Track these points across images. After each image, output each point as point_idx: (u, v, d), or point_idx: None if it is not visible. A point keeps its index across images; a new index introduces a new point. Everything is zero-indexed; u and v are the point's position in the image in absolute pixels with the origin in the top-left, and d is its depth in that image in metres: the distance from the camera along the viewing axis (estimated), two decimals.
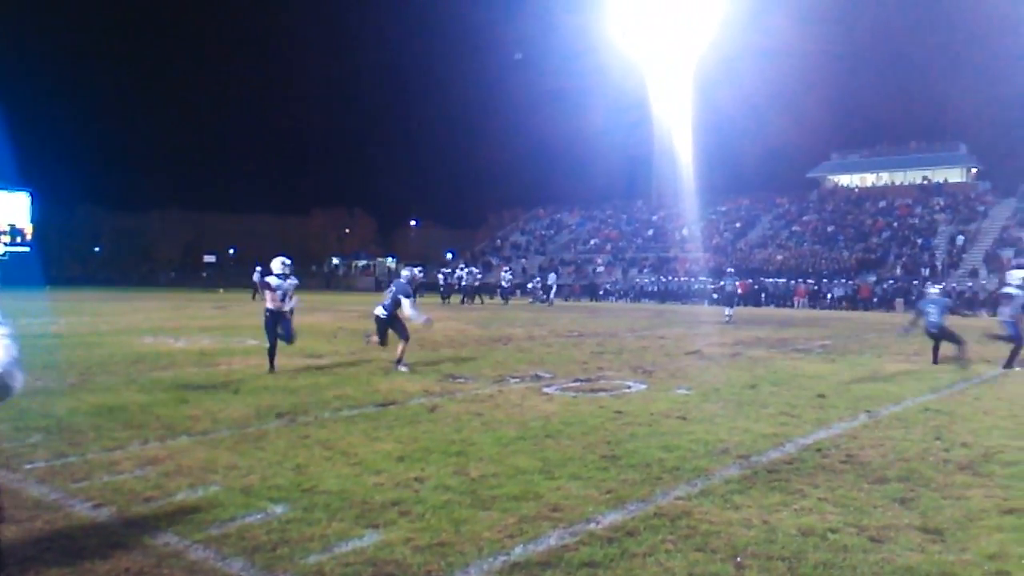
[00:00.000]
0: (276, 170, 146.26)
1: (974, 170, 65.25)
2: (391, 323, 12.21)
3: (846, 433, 7.92)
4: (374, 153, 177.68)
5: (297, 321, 12.89)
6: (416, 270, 13.43)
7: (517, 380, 11.34)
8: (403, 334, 12.23)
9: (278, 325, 11.67)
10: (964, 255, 47.24)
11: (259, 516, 4.98)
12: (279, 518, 4.95)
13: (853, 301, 43.44)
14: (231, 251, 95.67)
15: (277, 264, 11.77)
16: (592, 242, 65.26)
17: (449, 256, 73.42)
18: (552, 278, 44.34)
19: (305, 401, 9.22)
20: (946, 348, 14.63)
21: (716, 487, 5.83)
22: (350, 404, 9.03)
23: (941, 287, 17.43)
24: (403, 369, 11.90)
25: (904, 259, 48.15)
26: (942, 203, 55.23)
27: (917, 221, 53.58)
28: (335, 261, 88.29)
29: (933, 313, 14.27)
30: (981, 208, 53.11)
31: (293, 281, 11.90)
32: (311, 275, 68.91)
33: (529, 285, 48.09)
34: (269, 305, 11.68)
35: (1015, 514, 5.29)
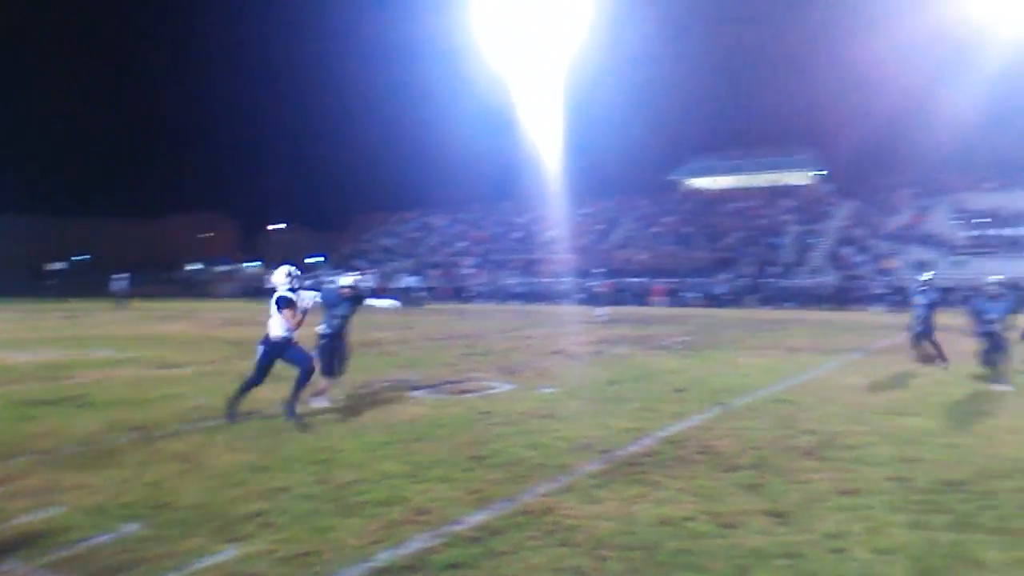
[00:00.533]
0: (127, 172, 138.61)
1: (818, 173, 69.33)
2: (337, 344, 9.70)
3: (702, 425, 8.28)
4: (236, 154, 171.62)
5: (153, 330, 12.08)
6: (357, 276, 10.82)
7: (385, 384, 11.26)
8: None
9: (285, 353, 8.47)
10: (810, 253, 50.15)
11: (110, 536, 4.75)
12: (132, 537, 4.74)
13: (709, 298, 45.32)
14: (79, 258, 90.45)
15: (282, 275, 8.56)
16: (461, 244, 65.45)
17: (320, 260, 71.84)
18: (411, 280, 44.18)
19: (160, 414, 8.84)
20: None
21: (579, 482, 5.98)
22: (208, 415, 8.72)
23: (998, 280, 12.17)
24: (323, 403, 9.42)
25: (755, 258, 50.66)
26: (789, 204, 58.44)
27: (767, 222, 56.46)
28: (194, 266, 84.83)
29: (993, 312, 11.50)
30: (825, 209, 56.53)
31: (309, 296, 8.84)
32: (167, 282, 65.92)
33: (401, 286, 47.78)
34: (279, 332, 8.39)
35: (853, 495, 5.68)
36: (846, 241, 50.32)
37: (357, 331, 11.16)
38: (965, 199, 51.54)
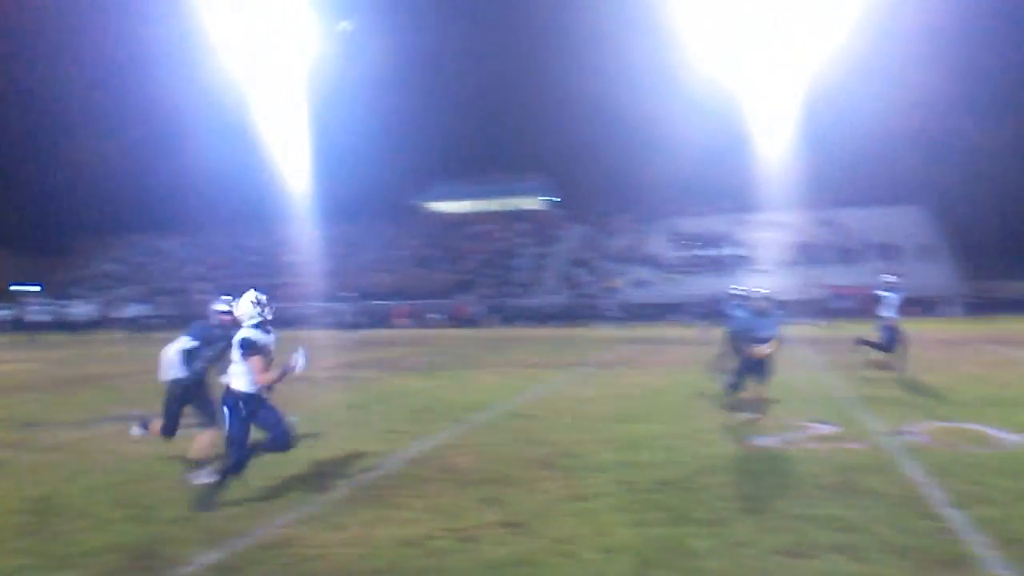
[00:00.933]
0: None
1: (550, 199, 73.45)
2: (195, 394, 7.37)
3: (443, 443, 8.44)
4: None
5: None
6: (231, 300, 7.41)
7: (108, 422, 10.37)
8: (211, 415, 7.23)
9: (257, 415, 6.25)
10: (544, 275, 52.92)
11: None
12: None
13: (452, 319, 46.36)
14: None
15: (247, 305, 6.44)
16: (195, 269, 62.04)
17: (34, 288, 64.73)
18: (138, 309, 41.39)
19: None
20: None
21: (321, 511, 5.86)
22: None
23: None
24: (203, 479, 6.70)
25: (494, 279, 52.62)
26: (524, 228, 61.34)
27: (504, 245, 58.86)
28: None
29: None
30: (557, 233, 59.93)
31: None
32: None
33: (127, 315, 44.34)
34: (244, 386, 6.21)
35: (582, 500, 6.04)
36: (576, 263, 53.64)
37: (74, 365, 10.20)
38: (678, 223, 56.83)
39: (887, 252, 47.87)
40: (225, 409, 6.21)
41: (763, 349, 9.71)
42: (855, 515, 5.51)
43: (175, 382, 7.25)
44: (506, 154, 74.36)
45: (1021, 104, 57.22)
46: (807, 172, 51.32)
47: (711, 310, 14.24)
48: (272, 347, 6.38)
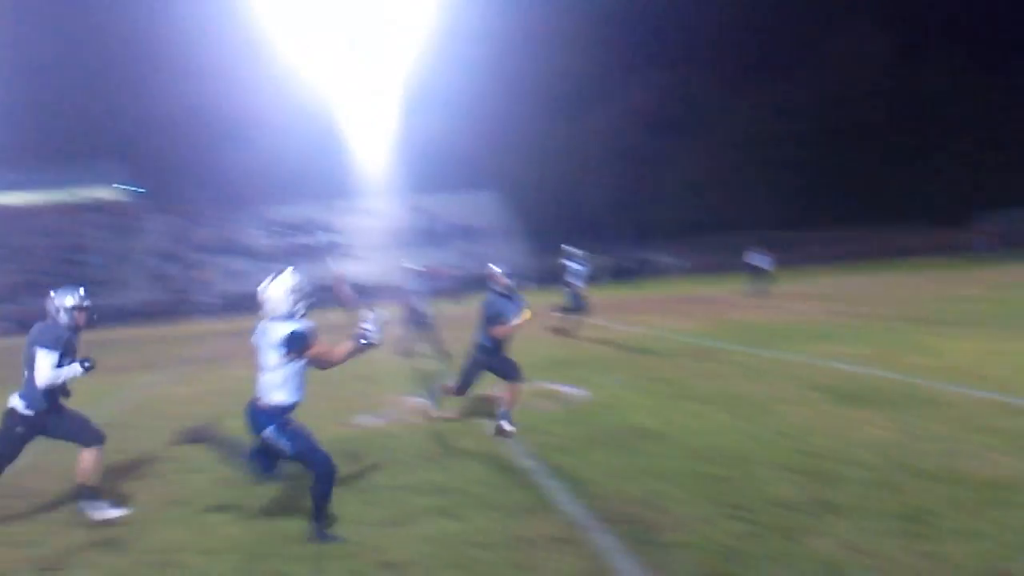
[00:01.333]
0: None
1: (130, 188, 67.69)
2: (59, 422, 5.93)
3: (17, 468, 7.49)
4: None
5: None
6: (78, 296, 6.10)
7: None
8: (83, 437, 5.95)
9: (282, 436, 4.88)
10: (126, 269, 48.83)
11: None
12: None
13: (21, 324, 40.92)
14: None
15: (281, 289, 4.97)
16: None
17: None
18: None
19: None
20: None
21: None
22: None
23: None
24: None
25: (67, 277, 47.35)
26: (100, 221, 55.93)
27: (76, 239, 53.15)
28: None
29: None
30: (139, 224, 55.52)
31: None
32: None
33: None
34: (281, 396, 4.92)
35: (182, 506, 5.81)
36: (164, 255, 50.37)
37: None
38: (270, 211, 55.94)
39: (469, 234, 51.78)
40: (275, 433, 4.87)
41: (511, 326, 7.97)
42: (451, 478, 5.98)
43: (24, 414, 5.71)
44: (79, 142, 66.80)
45: (576, 106, 65.92)
46: (395, 161, 53.64)
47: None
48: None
